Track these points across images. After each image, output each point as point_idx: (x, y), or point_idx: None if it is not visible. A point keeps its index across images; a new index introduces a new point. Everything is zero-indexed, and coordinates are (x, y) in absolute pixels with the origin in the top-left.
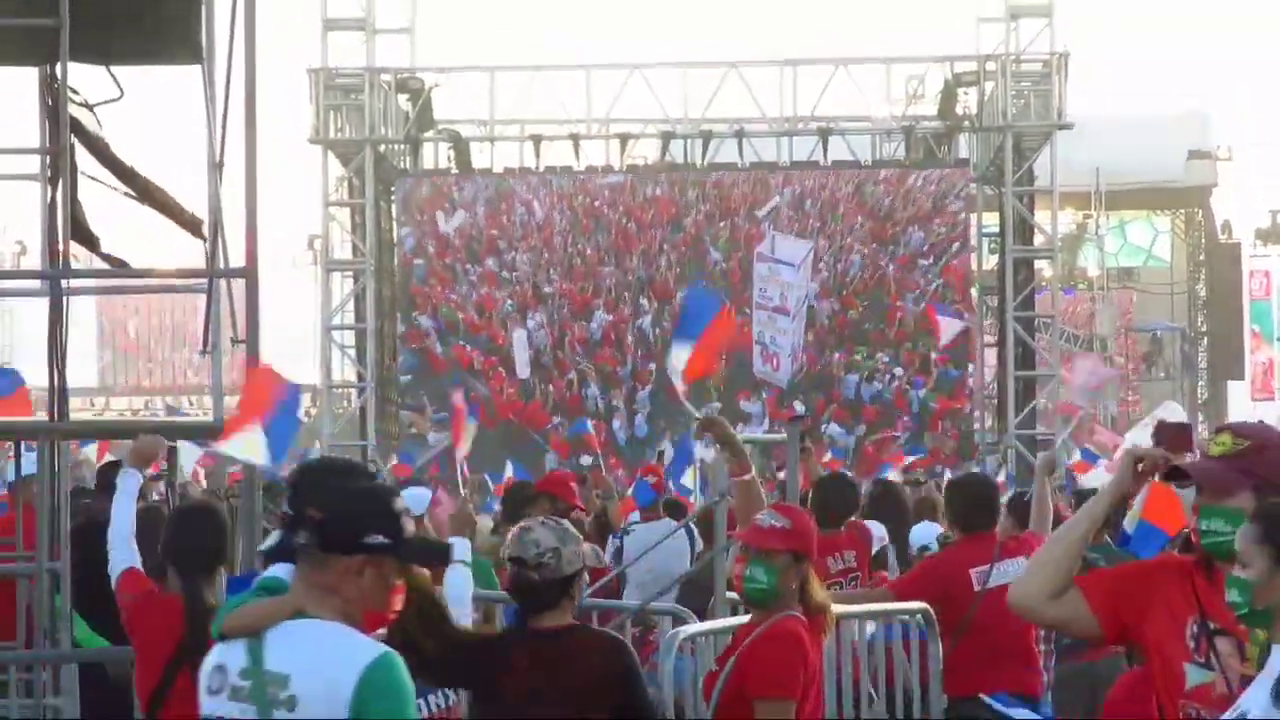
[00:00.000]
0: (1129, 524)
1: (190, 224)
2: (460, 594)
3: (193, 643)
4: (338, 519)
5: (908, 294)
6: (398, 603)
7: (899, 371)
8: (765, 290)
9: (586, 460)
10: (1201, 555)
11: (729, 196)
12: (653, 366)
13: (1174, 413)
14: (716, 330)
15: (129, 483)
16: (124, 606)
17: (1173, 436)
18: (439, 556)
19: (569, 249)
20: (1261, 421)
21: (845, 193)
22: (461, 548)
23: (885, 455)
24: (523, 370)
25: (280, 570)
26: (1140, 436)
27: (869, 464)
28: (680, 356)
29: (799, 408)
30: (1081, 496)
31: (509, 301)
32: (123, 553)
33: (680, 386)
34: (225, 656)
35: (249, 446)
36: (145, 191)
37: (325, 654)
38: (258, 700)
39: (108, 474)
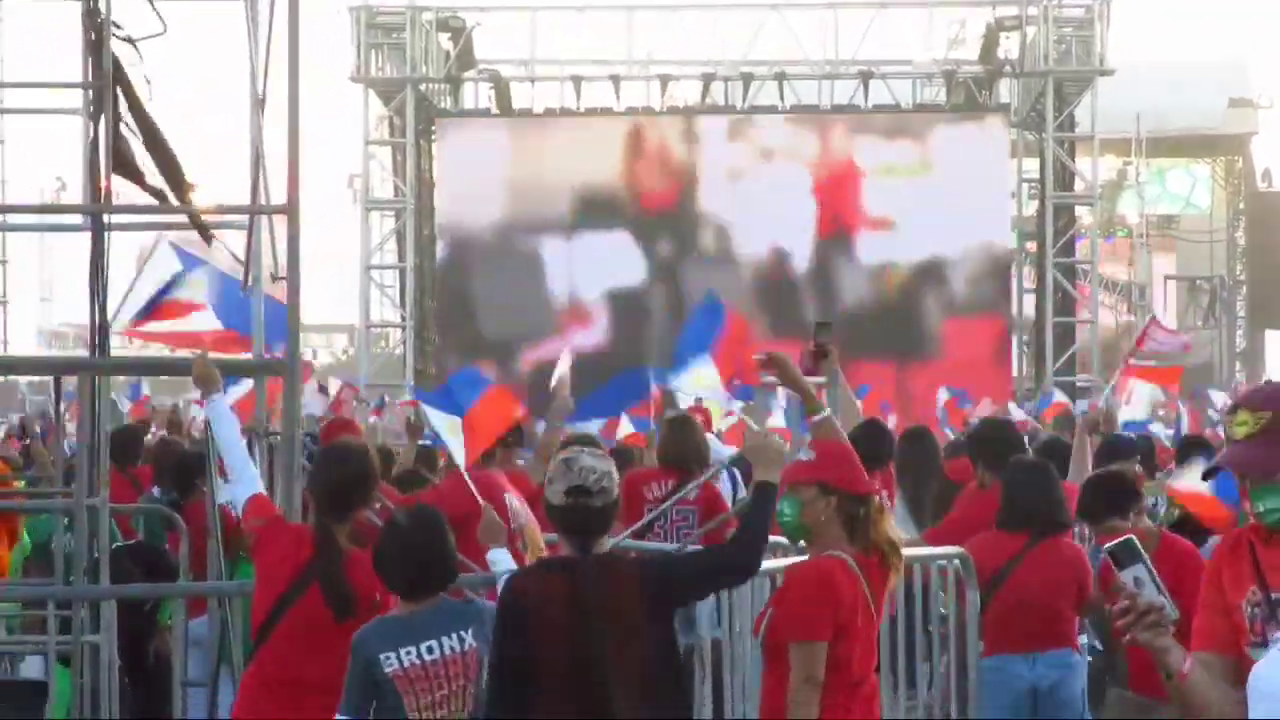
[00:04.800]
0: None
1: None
2: None
3: (323, 576)
4: None
5: None
6: None
7: None
8: None
9: None
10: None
11: None
12: None
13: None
14: (728, 342)
15: (219, 408)
16: (250, 531)
17: None
18: None
19: None
20: (1269, 382)
21: None
22: (502, 559)
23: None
24: None
25: None
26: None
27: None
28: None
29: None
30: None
31: None
32: (245, 480)
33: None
34: None
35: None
36: (162, 160)
37: None
38: None
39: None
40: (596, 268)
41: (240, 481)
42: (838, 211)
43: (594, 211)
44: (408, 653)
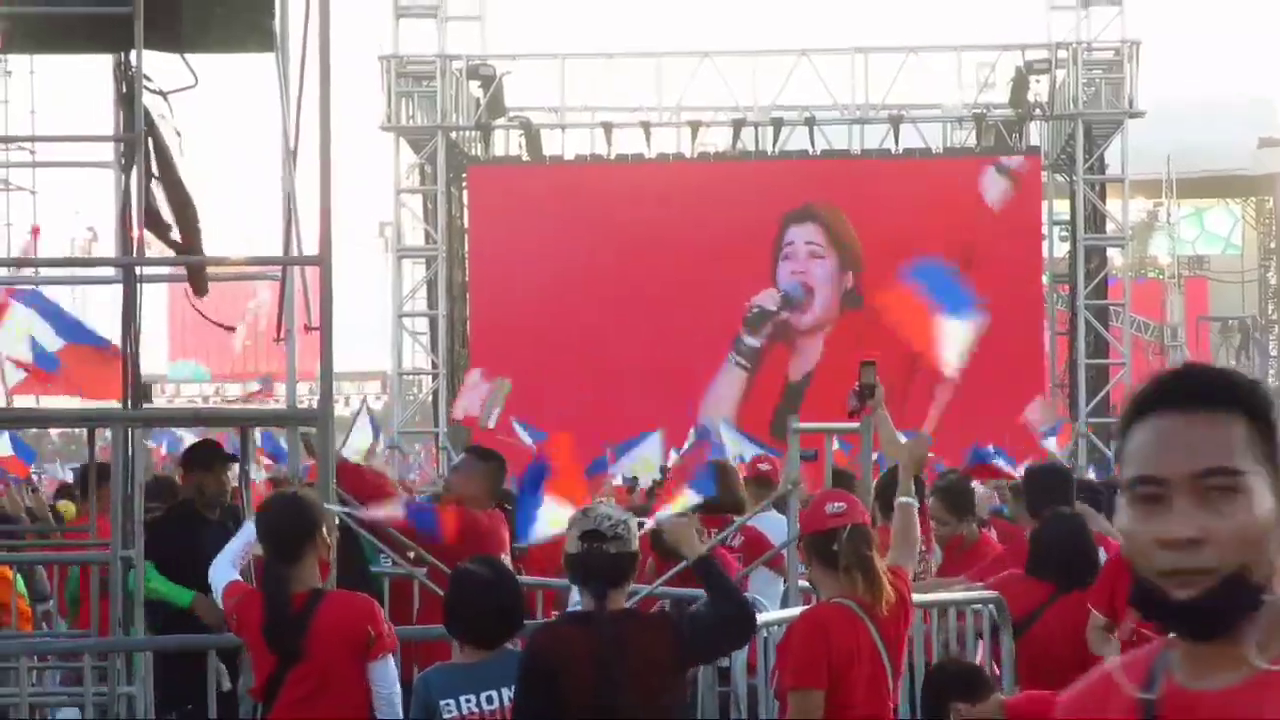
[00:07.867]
0: None
1: (198, 282)
2: None
3: (274, 632)
4: None
5: None
6: None
7: None
8: None
9: None
10: None
11: None
12: None
13: None
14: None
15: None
16: (229, 614)
17: None
18: None
19: None
20: None
21: None
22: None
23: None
24: None
25: None
26: None
27: None
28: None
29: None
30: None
31: None
32: (223, 573)
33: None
34: None
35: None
36: (185, 228)
37: None
38: None
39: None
40: None
41: (217, 574)
42: None
43: None
44: (468, 700)
